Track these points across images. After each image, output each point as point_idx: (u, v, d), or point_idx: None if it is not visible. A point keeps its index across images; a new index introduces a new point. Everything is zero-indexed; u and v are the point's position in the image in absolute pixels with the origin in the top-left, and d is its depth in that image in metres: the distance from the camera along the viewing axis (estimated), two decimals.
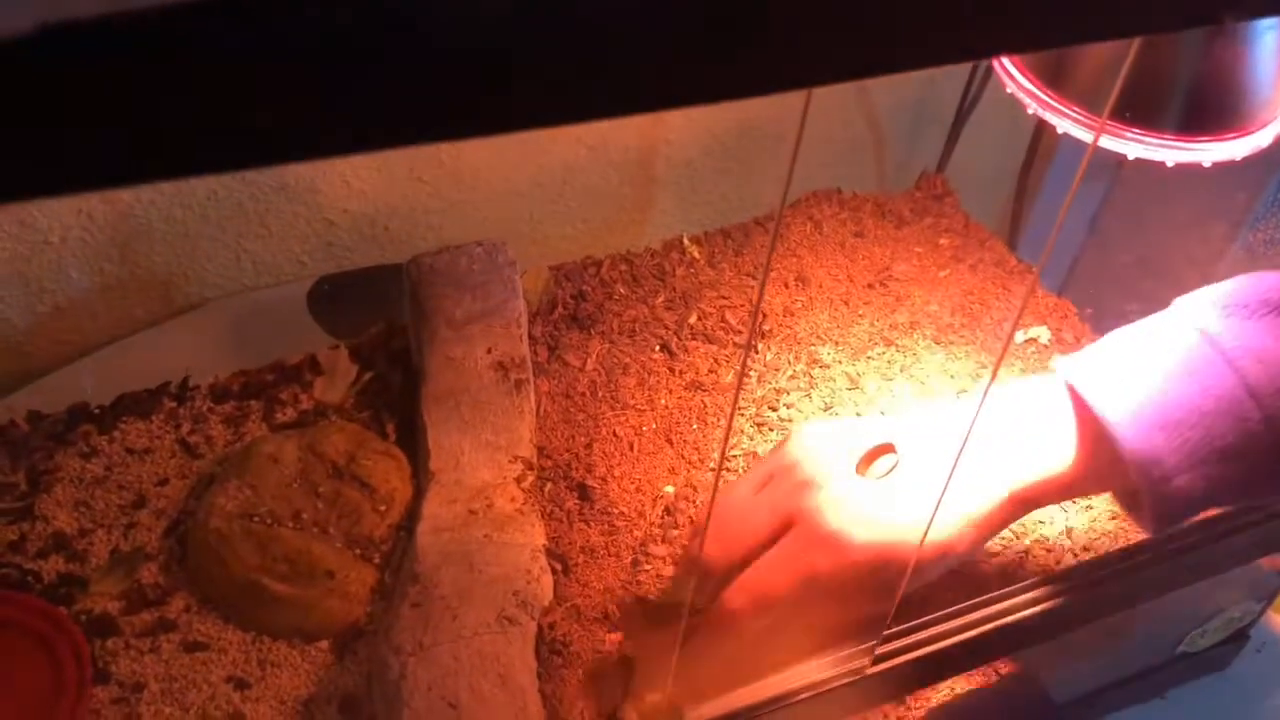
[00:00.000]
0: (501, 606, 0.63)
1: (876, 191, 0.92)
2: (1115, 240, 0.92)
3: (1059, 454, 0.59)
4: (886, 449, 0.59)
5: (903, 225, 0.90)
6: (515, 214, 1.03)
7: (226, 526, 0.68)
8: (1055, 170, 1.06)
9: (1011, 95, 0.66)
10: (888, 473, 0.59)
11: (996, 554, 0.71)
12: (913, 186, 0.94)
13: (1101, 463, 0.57)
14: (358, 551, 0.69)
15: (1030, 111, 0.64)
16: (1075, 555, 0.71)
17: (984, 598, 0.61)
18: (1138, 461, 0.55)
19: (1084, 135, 0.61)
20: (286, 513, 0.69)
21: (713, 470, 0.73)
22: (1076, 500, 0.74)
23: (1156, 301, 0.63)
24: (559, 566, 0.68)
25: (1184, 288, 0.61)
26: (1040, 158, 1.03)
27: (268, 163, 0.22)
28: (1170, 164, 0.61)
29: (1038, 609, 0.63)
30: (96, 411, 0.76)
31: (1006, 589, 0.62)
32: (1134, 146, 0.60)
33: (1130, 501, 0.60)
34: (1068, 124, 0.61)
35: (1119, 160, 0.60)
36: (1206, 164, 0.61)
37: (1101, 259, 0.92)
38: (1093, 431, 0.57)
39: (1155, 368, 0.57)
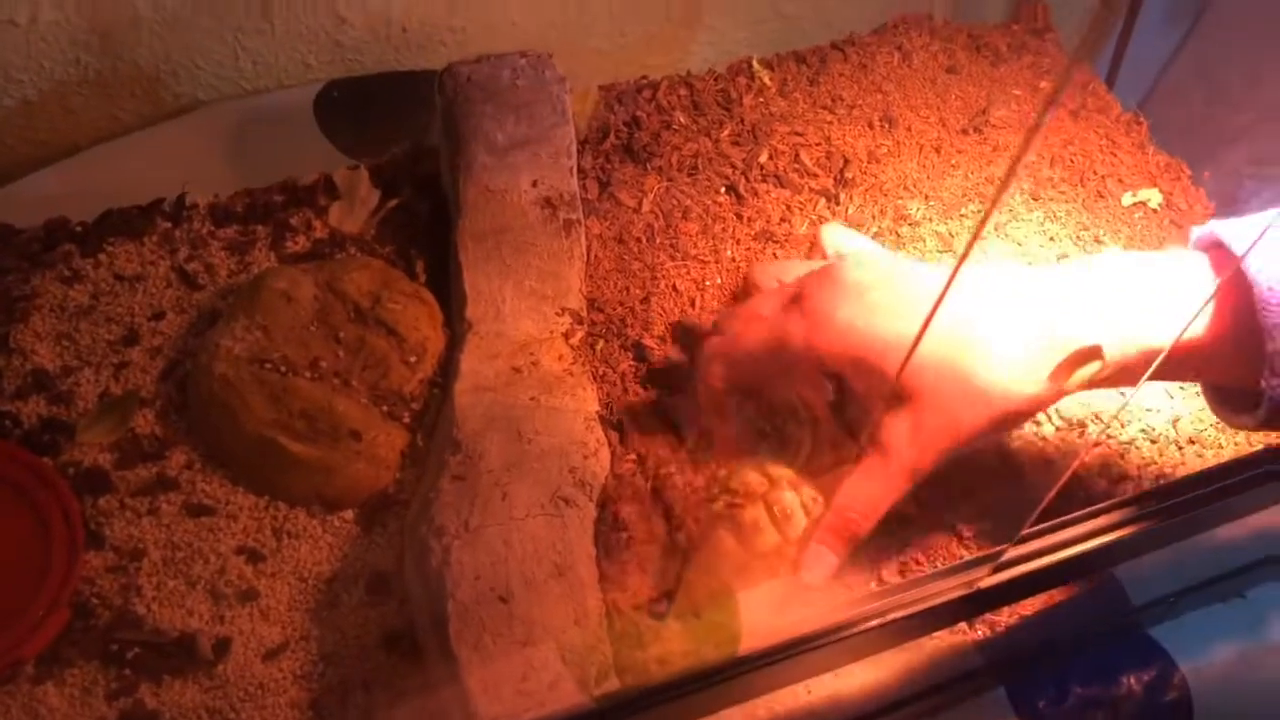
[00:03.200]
0: (557, 485, 0.55)
1: (970, 22, 0.81)
2: (1231, 93, 0.82)
3: (1192, 317, 0.51)
4: (1094, 353, 0.50)
5: (999, 63, 0.79)
6: (548, 19, 0.91)
7: (234, 373, 0.59)
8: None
9: None
10: (1090, 378, 0.51)
11: (1099, 443, 0.64)
12: (1010, 18, 0.83)
13: (1236, 329, 0.50)
14: (385, 409, 0.61)
15: None
16: (1180, 447, 0.64)
17: (1095, 508, 0.55)
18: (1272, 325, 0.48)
19: None
20: (303, 360, 0.60)
21: None
22: (1185, 385, 0.67)
23: None
24: (615, 436, 0.60)
25: None
26: None
27: None
28: None
29: (1143, 525, 0.57)
30: (79, 229, 0.66)
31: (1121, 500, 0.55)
32: None
33: (1243, 393, 0.53)
34: None
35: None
36: None
37: (1214, 113, 0.83)
38: (1232, 295, 0.50)
39: None
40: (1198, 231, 0.55)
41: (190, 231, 0.67)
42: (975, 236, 0.44)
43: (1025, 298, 0.53)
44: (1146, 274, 0.53)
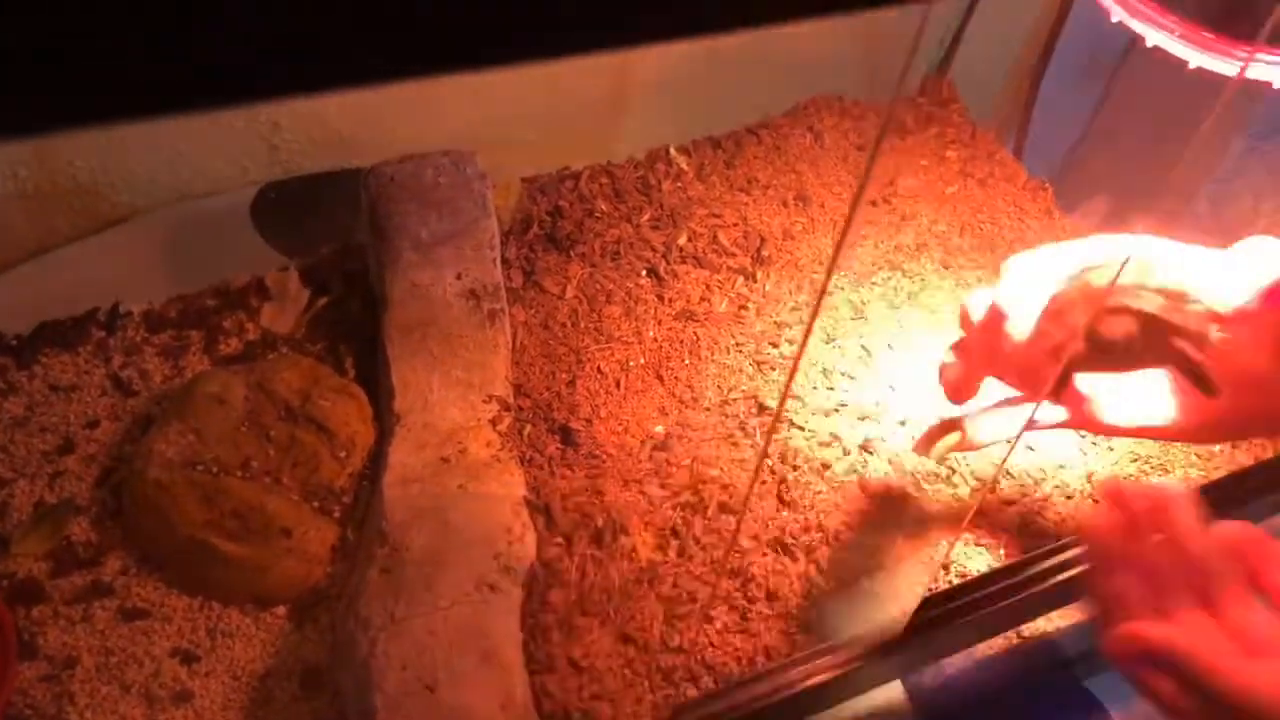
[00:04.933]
0: (481, 572, 0.56)
1: (878, 100, 0.85)
2: (1131, 154, 0.86)
3: None
4: (955, 424, 0.51)
5: (907, 135, 0.83)
6: (478, 116, 0.94)
7: (168, 476, 0.60)
8: (1054, 69, 0.97)
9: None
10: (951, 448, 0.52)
11: (1013, 502, 0.65)
12: (917, 92, 0.87)
13: None
14: (316, 504, 0.62)
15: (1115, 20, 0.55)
16: (1095, 500, 0.66)
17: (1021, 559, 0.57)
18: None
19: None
20: (235, 460, 0.62)
21: (708, 410, 0.67)
22: (1096, 441, 0.69)
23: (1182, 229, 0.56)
24: (542, 520, 0.61)
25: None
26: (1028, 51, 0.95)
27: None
28: None
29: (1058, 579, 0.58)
30: (14, 342, 0.68)
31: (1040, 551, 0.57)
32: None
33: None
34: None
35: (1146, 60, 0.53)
36: None
37: (1116, 174, 0.86)
38: None
39: None
40: None
41: (124, 340, 0.69)
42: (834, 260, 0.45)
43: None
44: None
